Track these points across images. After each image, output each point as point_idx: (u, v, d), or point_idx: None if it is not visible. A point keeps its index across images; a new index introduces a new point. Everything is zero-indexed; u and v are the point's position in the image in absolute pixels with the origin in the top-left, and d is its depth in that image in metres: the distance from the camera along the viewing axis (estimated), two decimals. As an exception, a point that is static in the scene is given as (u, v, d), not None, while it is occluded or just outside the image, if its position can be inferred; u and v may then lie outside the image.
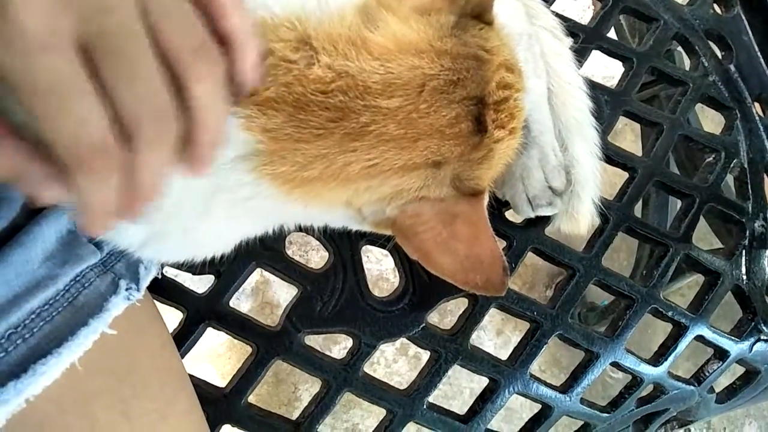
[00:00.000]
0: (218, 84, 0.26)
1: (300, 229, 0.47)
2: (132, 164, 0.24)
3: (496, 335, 1.24)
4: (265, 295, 1.19)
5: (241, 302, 1.16)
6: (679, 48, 0.67)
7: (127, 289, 0.38)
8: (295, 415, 0.52)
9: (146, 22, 0.22)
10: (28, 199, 0.25)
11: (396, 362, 1.18)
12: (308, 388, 1.18)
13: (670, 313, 0.56)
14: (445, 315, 1.02)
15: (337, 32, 0.34)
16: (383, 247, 0.52)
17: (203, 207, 0.37)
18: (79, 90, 0.22)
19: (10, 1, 0.20)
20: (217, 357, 1.14)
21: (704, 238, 0.74)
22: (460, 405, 1.22)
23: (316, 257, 1.19)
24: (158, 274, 0.44)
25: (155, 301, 0.47)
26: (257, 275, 1.15)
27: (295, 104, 0.33)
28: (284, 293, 1.04)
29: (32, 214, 0.35)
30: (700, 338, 0.57)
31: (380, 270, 1.21)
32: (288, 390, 1.13)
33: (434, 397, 0.53)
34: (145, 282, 0.40)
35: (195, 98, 0.24)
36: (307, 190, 0.35)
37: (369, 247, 0.53)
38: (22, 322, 0.32)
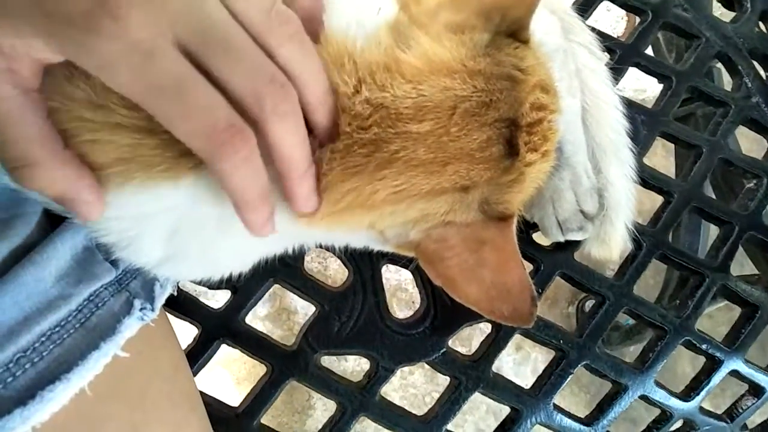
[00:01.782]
0: (302, 42, 0.27)
1: (320, 246, 0.46)
2: (270, 141, 0.26)
3: (515, 350, 1.22)
4: (282, 301, 1.18)
5: (258, 308, 1.15)
6: (718, 65, 0.64)
7: (141, 309, 0.37)
8: (307, 424, 0.51)
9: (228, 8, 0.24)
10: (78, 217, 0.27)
11: (412, 374, 1.16)
12: (322, 397, 1.17)
13: (704, 346, 0.54)
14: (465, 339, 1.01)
15: (375, 59, 0.32)
16: (405, 267, 0.50)
17: (223, 227, 0.36)
18: (195, 81, 0.23)
19: (117, 22, 0.22)
20: (232, 362, 1.13)
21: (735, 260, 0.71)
22: (476, 420, 1.21)
23: (335, 264, 1.17)
24: (174, 290, 0.43)
25: (169, 315, 0.46)
26: (275, 281, 1.15)
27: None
28: (301, 300, 1.04)
29: (47, 231, 0.34)
30: (734, 373, 0.54)
31: (398, 280, 1.19)
32: (302, 398, 1.12)
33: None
34: (160, 301, 0.39)
35: (285, 58, 0.26)
36: (333, 218, 0.33)
37: (387, 256, 0.51)
38: (32, 345, 0.31)
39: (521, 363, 1.21)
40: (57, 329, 0.32)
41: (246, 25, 0.25)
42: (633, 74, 0.60)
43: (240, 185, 0.26)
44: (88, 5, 0.22)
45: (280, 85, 0.25)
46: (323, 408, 1.10)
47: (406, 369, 1.23)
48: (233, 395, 1.10)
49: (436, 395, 0.51)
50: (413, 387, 1.15)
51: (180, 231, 0.35)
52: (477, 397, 0.50)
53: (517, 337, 0.52)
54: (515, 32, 0.39)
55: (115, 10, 0.22)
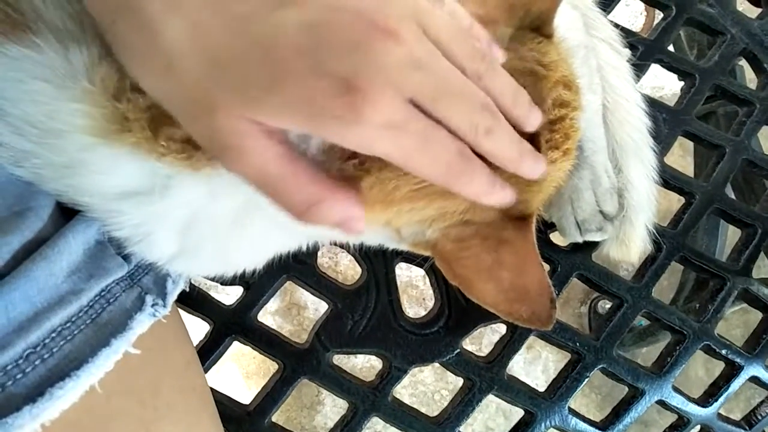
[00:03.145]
0: (495, 63, 0.32)
1: (334, 244, 0.45)
2: (485, 154, 0.30)
3: (526, 350, 1.21)
4: (293, 297, 1.18)
5: (268, 302, 1.15)
6: (742, 62, 0.63)
7: (153, 305, 0.36)
8: (316, 419, 0.50)
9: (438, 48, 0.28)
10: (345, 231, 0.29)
11: (422, 372, 1.15)
12: (331, 393, 1.16)
13: (724, 352, 0.52)
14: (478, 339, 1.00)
15: None
16: (420, 266, 0.49)
17: (238, 223, 0.35)
18: (432, 132, 0.28)
19: (373, 106, 0.25)
20: (241, 356, 1.13)
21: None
22: (485, 419, 1.20)
23: (345, 260, 1.17)
24: (186, 286, 0.43)
25: (181, 310, 0.45)
26: (285, 275, 1.15)
27: None
28: (312, 296, 1.04)
29: (60, 225, 0.34)
30: (754, 379, 0.53)
31: (410, 276, 1.19)
32: (311, 393, 1.12)
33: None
34: (172, 297, 0.39)
35: (491, 84, 0.30)
36: None
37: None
38: (42, 341, 0.31)
39: (532, 362, 1.20)
40: (68, 325, 0.32)
41: (457, 60, 0.29)
42: (651, 71, 0.59)
43: (474, 190, 0.31)
44: (348, 98, 0.25)
45: (490, 111, 0.30)
46: (332, 404, 1.10)
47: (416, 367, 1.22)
48: (243, 390, 1.10)
49: (446, 393, 0.50)
50: (423, 385, 1.14)
51: (195, 225, 0.34)
52: (488, 396, 0.49)
53: (529, 337, 0.51)
54: (539, 27, 0.38)
55: (372, 96, 0.25)
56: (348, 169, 0.31)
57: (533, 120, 0.33)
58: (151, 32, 0.25)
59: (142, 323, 0.35)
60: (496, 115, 0.30)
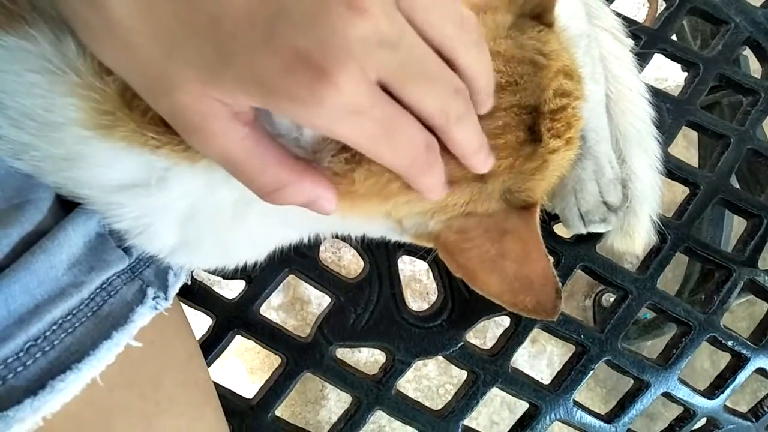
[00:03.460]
0: (481, 44, 0.30)
1: (337, 236, 0.45)
2: (452, 142, 0.29)
3: (530, 343, 1.20)
4: (296, 291, 1.17)
5: (271, 298, 1.15)
6: (746, 52, 0.62)
7: (154, 298, 0.36)
8: (320, 414, 0.50)
9: (412, 23, 0.26)
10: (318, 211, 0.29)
11: (426, 366, 1.15)
12: (335, 387, 1.17)
13: (730, 343, 0.52)
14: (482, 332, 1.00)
15: None
16: (423, 259, 0.49)
17: (238, 214, 0.35)
18: (399, 118, 0.26)
19: (337, 88, 0.23)
20: (245, 351, 1.13)
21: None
22: (490, 413, 1.20)
23: (348, 254, 1.17)
24: (188, 279, 0.43)
25: (183, 304, 0.45)
26: (288, 271, 1.15)
27: None
28: (315, 290, 1.04)
29: (59, 218, 0.33)
30: (761, 371, 0.53)
31: (413, 271, 1.18)
32: (315, 388, 1.12)
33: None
34: (174, 290, 0.38)
35: (467, 63, 0.28)
36: (348, 203, 0.32)
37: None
38: (43, 333, 0.30)
39: (536, 356, 1.20)
40: (68, 318, 0.32)
41: (437, 39, 0.27)
42: (655, 62, 0.58)
43: (429, 185, 0.30)
44: (306, 77, 0.23)
45: (462, 96, 0.28)
46: (336, 398, 1.10)
47: (420, 361, 1.22)
48: (246, 385, 1.10)
49: (450, 387, 0.50)
50: (427, 379, 1.14)
51: (195, 217, 0.34)
52: (492, 389, 0.49)
53: (533, 330, 0.50)
54: (539, 15, 0.38)
55: (334, 77, 0.23)
56: (340, 161, 0.31)
57: (489, 105, 0.32)
58: (102, 8, 0.24)
59: (143, 316, 0.35)
60: (467, 102, 0.29)
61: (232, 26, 0.23)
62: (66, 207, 0.34)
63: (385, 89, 0.26)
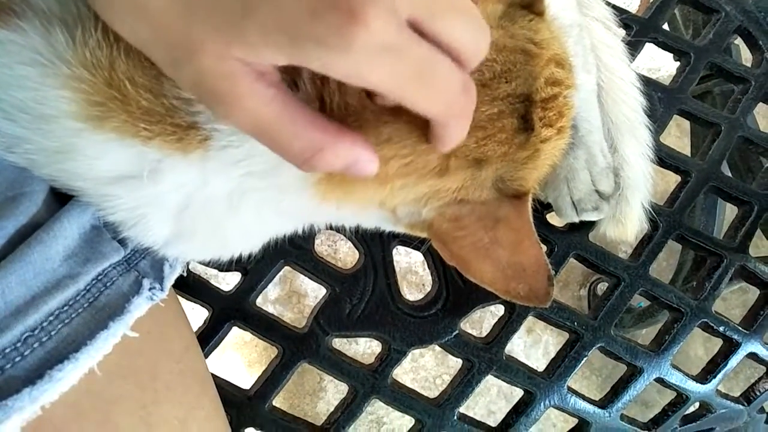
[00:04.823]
0: None
1: (331, 228, 0.45)
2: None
3: (526, 333, 1.21)
4: (293, 284, 1.18)
5: (269, 291, 1.16)
6: (737, 41, 0.63)
7: (150, 289, 0.36)
8: (318, 406, 0.51)
9: None
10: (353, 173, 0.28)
11: (423, 356, 1.16)
12: (333, 379, 1.18)
13: (721, 329, 0.52)
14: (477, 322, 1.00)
15: None
16: (417, 249, 0.50)
17: (232, 205, 0.35)
18: (435, 60, 0.25)
19: (366, 28, 0.22)
20: (243, 345, 1.14)
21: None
22: (486, 403, 1.21)
23: (345, 248, 1.17)
24: (183, 271, 0.43)
25: (180, 297, 0.45)
26: (285, 265, 1.16)
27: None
28: (312, 283, 1.05)
29: (54, 210, 0.34)
30: (752, 356, 0.53)
31: (409, 262, 1.19)
32: (313, 380, 1.13)
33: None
34: (170, 281, 0.39)
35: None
36: (343, 192, 0.33)
37: (396, 238, 0.51)
38: (40, 324, 0.31)
39: (532, 346, 1.21)
40: (65, 308, 0.32)
41: None
42: (647, 52, 0.59)
43: (458, 135, 0.29)
44: (334, 18, 0.22)
45: (485, 32, 0.27)
46: (335, 390, 1.10)
47: (416, 351, 1.23)
48: (245, 378, 1.10)
49: (447, 377, 0.50)
50: (424, 369, 1.15)
51: (189, 208, 0.34)
52: (488, 379, 0.50)
53: (528, 320, 0.51)
54: (530, 4, 0.38)
55: (363, 16, 0.22)
56: None
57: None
58: None
59: (139, 307, 0.35)
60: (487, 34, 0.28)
61: None
62: (60, 199, 0.34)
63: (415, 30, 0.25)
